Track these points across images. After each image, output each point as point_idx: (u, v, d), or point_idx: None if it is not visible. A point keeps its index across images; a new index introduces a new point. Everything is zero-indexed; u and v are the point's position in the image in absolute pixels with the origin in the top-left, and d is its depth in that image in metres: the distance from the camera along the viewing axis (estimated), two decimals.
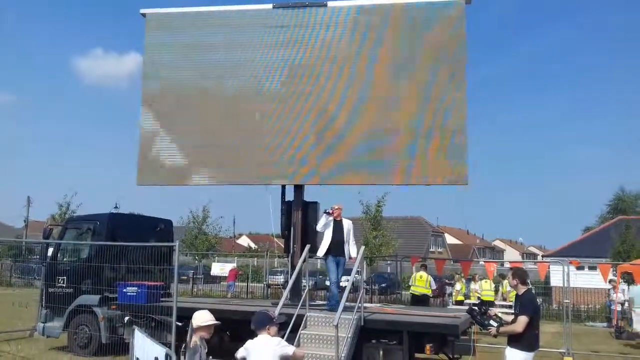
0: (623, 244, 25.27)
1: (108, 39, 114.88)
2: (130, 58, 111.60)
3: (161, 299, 10.08)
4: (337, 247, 9.09)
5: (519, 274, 6.05)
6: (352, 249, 9.30)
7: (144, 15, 11.03)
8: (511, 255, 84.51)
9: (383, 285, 28.71)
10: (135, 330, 6.70)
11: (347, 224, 9.33)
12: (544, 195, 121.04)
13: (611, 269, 17.36)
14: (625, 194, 48.54)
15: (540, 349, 6.14)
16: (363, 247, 9.28)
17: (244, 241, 74.76)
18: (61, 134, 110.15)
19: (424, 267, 16.93)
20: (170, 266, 10.50)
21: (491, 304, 16.62)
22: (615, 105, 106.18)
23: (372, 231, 29.88)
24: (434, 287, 16.62)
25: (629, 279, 16.31)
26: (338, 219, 9.25)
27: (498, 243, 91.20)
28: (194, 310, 4.89)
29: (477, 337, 12.56)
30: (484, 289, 17.39)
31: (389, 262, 32.44)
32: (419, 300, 16.18)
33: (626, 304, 16.04)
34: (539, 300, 24.02)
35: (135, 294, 9.88)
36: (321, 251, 9.22)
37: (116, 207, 15.04)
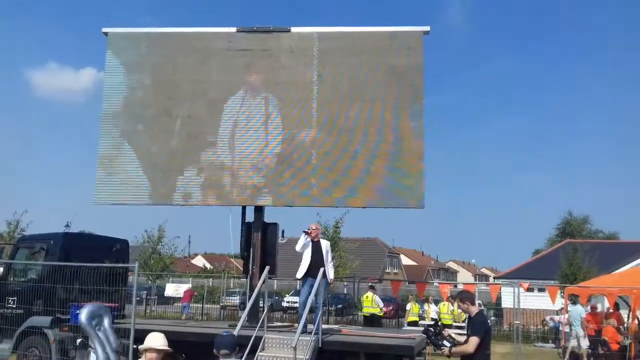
0: (570, 267, 26.04)
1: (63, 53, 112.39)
2: (87, 72, 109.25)
3: (115, 321, 9.89)
4: (316, 268, 8.83)
5: (468, 297, 6.30)
6: (330, 271, 9.12)
7: (105, 34, 10.95)
8: (464, 276, 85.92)
9: (339, 306, 28.80)
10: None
11: (325, 245, 9.23)
12: (496, 217, 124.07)
13: (559, 291, 17.95)
14: (572, 217, 50.13)
15: None
16: (322, 269, 8.93)
17: (199, 261, 73.42)
18: (9, 148, 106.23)
19: (372, 288, 17.31)
20: (125, 287, 10.35)
21: (448, 325, 16.96)
22: (562, 134, 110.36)
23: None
24: (381, 305, 16.82)
25: (575, 300, 16.86)
26: (315, 239, 9.16)
27: (452, 264, 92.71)
28: (149, 332, 4.86)
29: (431, 358, 12.79)
30: (442, 312, 17.74)
31: (345, 283, 32.53)
32: (369, 320, 16.44)
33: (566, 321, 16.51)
34: (491, 320, 24.57)
35: None
36: (300, 272, 9.08)
37: (67, 226, 14.53)
